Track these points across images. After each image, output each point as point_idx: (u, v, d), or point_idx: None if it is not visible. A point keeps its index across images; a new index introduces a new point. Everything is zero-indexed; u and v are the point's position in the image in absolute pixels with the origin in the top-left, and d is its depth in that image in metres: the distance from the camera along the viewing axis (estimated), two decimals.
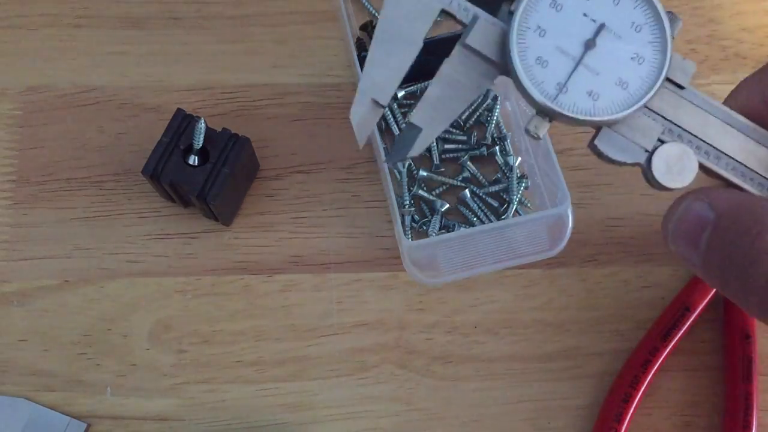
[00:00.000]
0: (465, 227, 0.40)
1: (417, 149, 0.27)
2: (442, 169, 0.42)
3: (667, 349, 0.38)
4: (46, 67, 0.44)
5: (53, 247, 0.41)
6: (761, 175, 0.27)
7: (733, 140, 0.27)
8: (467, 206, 0.41)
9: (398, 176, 0.41)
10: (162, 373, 0.39)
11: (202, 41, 0.45)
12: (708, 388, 0.39)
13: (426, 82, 0.43)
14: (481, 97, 0.43)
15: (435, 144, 0.42)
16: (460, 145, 0.43)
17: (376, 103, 0.27)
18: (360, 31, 0.45)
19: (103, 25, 0.45)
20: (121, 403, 0.38)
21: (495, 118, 0.43)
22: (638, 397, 0.37)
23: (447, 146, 0.42)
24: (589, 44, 0.26)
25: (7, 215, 0.41)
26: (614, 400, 0.38)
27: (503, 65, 0.26)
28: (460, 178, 0.42)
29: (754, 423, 0.37)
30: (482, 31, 0.26)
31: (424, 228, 0.41)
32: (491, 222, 0.41)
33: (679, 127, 0.27)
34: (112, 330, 0.40)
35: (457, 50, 0.27)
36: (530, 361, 0.39)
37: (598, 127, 0.26)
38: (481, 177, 0.42)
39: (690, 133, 0.27)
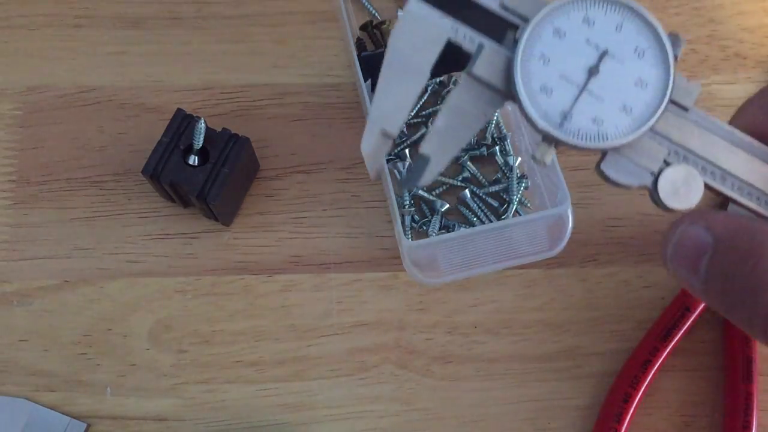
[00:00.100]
0: (465, 227, 0.40)
1: (427, 178, 0.27)
2: None
3: (667, 349, 0.38)
4: (46, 67, 0.44)
5: (53, 247, 0.41)
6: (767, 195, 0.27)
7: (739, 160, 0.27)
8: (467, 206, 0.41)
9: (398, 176, 0.41)
10: (162, 373, 0.39)
11: (202, 41, 0.45)
12: (708, 388, 0.39)
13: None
14: None
15: None
16: None
17: (386, 133, 0.27)
18: (360, 31, 0.45)
19: (103, 25, 0.45)
20: (121, 403, 0.38)
21: (495, 118, 0.43)
22: (638, 397, 0.37)
23: None
24: (593, 71, 0.26)
25: (7, 215, 0.41)
26: (614, 400, 0.38)
27: (509, 92, 0.26)
28: (460, 178, 0.42)
29: (754, 423, 0.37)
30: (488, 60, 0.26)
31: (424, 228, 0.41)
32: (491, 222, 0.41)
33: (684, 148, 0.27)
34: (112, 330, 0.40)
35: (463, 79, 0.27)
36: (530, 361, 0.39)
37: (604, 151, 0.26)
38: (481, 177, 0.42)
39: (695, 154, 0.27)
